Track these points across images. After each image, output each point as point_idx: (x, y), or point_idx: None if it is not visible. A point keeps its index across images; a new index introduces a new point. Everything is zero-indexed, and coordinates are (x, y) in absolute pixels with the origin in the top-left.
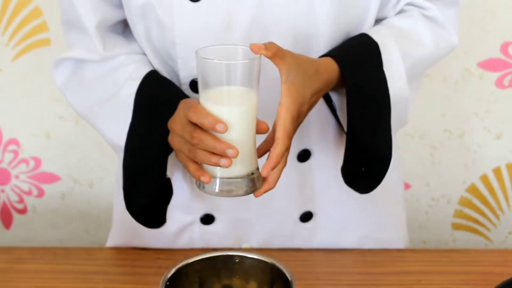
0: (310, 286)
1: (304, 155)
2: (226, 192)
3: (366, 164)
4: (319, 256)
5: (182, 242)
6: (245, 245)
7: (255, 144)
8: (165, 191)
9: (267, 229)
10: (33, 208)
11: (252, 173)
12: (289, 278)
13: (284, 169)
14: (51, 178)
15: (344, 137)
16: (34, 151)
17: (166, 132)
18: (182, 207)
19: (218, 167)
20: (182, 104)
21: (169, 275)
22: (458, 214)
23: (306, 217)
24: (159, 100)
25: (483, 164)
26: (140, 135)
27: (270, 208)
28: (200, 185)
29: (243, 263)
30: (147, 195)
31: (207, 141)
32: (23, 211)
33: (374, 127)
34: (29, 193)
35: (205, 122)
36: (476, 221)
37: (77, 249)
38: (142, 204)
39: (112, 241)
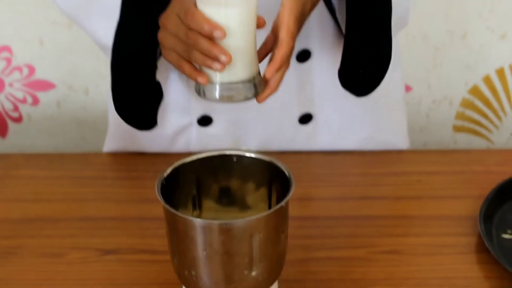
0: (309, 188)
1: (303, 55)
2: (227, 98)
3: (364, 66)
4: (318, 158)
5: (179, 146)
6: (243, 148)
7: (255, 48)
8: (155, 94)
9: (266, 131)
10: (28, 116)
11: (254, 78)
12: (288, 175)
13: None
14: (46, 85)
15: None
16: (27, 58)
17: (156, 31)
18: (179, 109)
19: (218, 72)
20: (177, 1)
21: (165, 175)
22: (459, 116)
23: (306, 119)
24: None
25: (486, 65)
26: (128, 34)
27: (269, 109)
28: (200, 91)
29: (240, 162)
30: (135, 97)
31: (202, 43)
32: (18, 120)
33: (374, 29)
34: (23, 101)
35: (203, 29)
36: (478, 123)
37: (73, 155)
38: (131, 106)
39: (108, 146)
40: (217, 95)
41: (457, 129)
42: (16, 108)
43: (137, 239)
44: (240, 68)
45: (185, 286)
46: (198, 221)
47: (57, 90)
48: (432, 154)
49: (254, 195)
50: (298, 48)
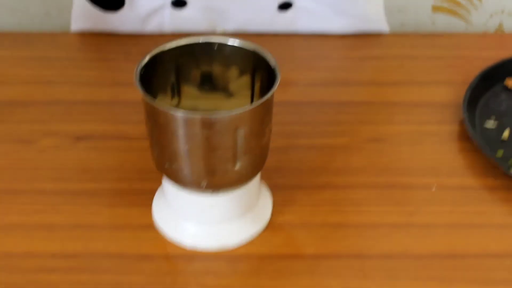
0: (289, 72)
1: None
2: None
3: None
4: (298, 41)
5: (151, 27)
6: (219, 30)
7: None
8: None
9: (244, 15)
10: None
11: None
12: (273, 66)
13: None
14: None
15: None
16: None
17: None
18: None
19: None
20: None
21: (143, 63)
22: None
23: (285, 6)
24: None
25: None
26: None
27: None
28: None
29: (223, 50)
30: None
31: None
32: None
33: None
34: None
35: None
36: (457, 4)
37: (38, 34)
38: None
39: (76, 25)
40: None
41: (436, 9)
42: None
43: (110, 125)
44: None
45: (164, 175)
46: (179, 115)
47: None
48: (413, 37)
49: (237, 82)
50: None
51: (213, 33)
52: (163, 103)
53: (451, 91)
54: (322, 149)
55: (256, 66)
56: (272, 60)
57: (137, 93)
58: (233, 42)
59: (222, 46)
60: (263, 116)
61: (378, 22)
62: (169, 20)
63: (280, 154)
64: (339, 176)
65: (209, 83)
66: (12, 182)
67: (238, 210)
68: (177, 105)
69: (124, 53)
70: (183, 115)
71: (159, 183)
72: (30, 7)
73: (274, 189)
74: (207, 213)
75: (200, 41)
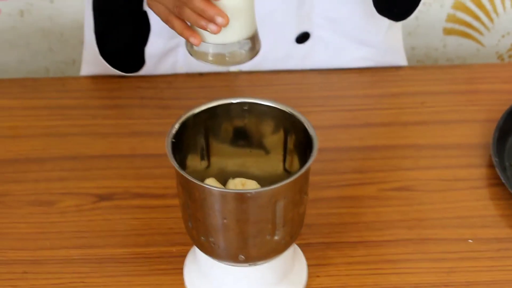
0: (307, 114)
1: None
2: (220, 60)
3: None
4: (314, 78)
5: (165, 68)
6: (233, 69)
7: (254, 4)
8: (142, 27)
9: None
10: None
11: (251, 37)
12: (310, 133)
13: None
14: None
15: None
16: None
17: None
18: (166, 34)
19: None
20: None
21: (173, 131)
22: (450, 18)
23: (303, 38)
24: None
25: None
26: None
27: (265, 28)
28: (191, 50)
29: (254, 109)
30: (122, 35)
31: (196, 2)
32: None
33: None
34: None
35: None
36: (469, 25)
37: (47, 80)
38: (118, 47)
39: (87, 69)
40: (210, 56)
41: (448, 32)
42: None
43: (131, 181)
44: (237, 29)
45: (199, 249)
46: (217, 190)
47: None
48: (432, 70)
49: (268, 140)
50: None
51: (227, 72)
52: (197, 175)
53: (476, 129)
54: (350, 201)
55: (289, 125)
56: (310, 127)
57: (156, 143)
58: (263, 101)
59: (254, 105)
60: (302, 185)
61: (396, 54)
62: (183, 58)
63: (309, 209)
64: (371, 231)
65: (239, 142)
66: (36, 250)
67: (274, 279)
68: (207, 167)
69: (139, 98)
70: (221, 191)
71: (187, 247)
72: (32, 43)
73: (307, 249)
74: (243, 284)
75: (231, 102)
